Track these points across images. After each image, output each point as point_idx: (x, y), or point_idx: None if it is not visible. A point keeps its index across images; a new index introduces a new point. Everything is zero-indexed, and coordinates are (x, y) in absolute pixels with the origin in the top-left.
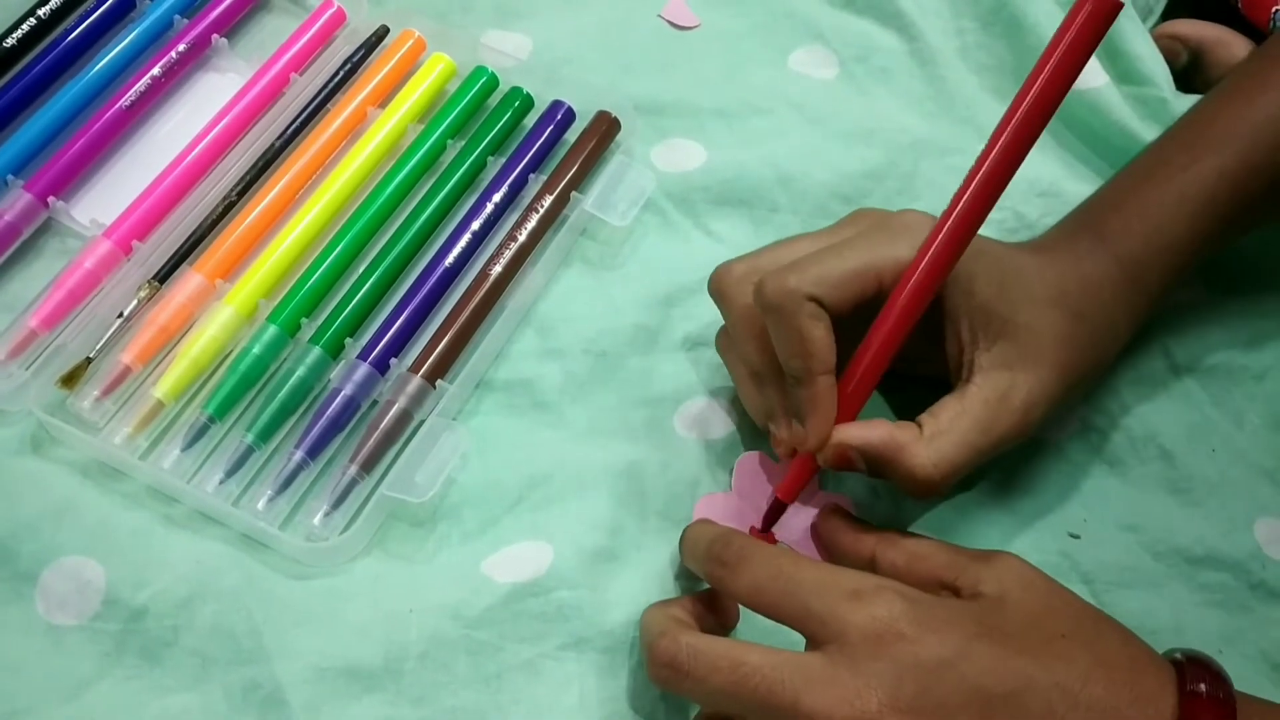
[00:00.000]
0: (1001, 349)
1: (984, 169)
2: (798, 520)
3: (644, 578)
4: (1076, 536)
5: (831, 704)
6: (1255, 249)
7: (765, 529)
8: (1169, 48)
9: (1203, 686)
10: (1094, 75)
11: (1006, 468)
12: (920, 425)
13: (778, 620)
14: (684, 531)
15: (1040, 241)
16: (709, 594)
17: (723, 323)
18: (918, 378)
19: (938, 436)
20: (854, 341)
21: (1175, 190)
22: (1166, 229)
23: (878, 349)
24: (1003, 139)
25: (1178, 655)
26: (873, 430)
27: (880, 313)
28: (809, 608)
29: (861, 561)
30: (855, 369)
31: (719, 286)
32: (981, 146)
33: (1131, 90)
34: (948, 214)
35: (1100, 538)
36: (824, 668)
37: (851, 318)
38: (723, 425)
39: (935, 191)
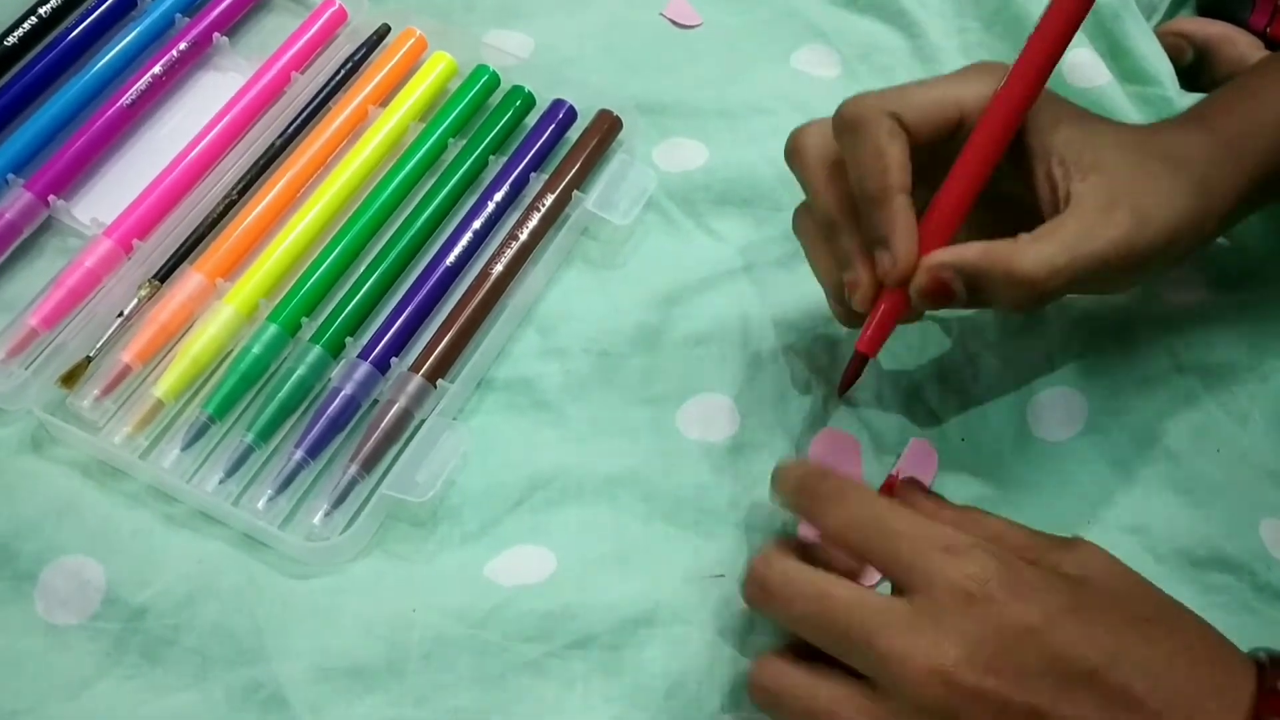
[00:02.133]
0: (1098, 177)
1: None
2: None
3: (647, 579)
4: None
5: (909, 648)
6: (1261, 250)
7: (843, 390)
8: (1174, 45)
9: None
10: (1097, 73)
11: (1009, 468)
12: (1016, 239)
13: (865, 560)
14: (775, 467)
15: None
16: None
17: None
18: None
19: (1038, 241)
20: (933, 188)
21: (1275, 88)
22: (1266, 116)
23: (965, 173)
24: None
25: (1261, 655)
26: (966, 247)
27: (964, 147)
28: (900, 554)
29: None
30: (940, 202)
31: (795, 145)
32: None
33: (1135, 89)
34: (1028, 47)
35: (1104, 540)
36: (907, 614)
37: (932, 157)
38: (725, 425)
39: None
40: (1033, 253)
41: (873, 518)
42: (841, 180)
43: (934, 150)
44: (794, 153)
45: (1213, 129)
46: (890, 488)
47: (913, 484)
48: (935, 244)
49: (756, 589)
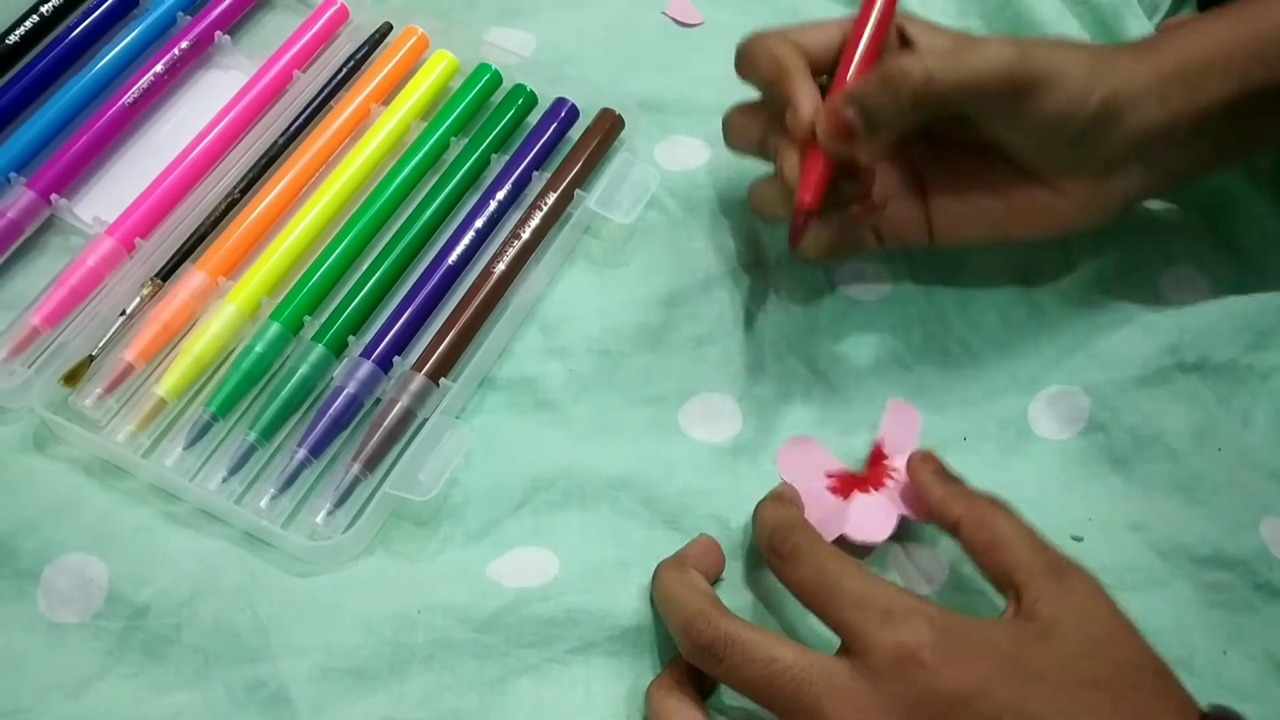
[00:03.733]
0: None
1: None
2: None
3: (649, 583)
4: (1079, 539)
5: (851, 713)
6: (1263, 249)
7: (793, 244)
8: None
9: None
10: None
11: (1010, 467)
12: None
13: (819, 619)
14: (757, 507)
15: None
16: (707, 543)
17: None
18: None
19: (925, 50)
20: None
21: (1244, 19)
22: (1226, 45)
23: (856, 37)
24: None
25: (1206, 710)
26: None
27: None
28: (844, 617)
29: (946, 523)
30: (840, 71)
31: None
32: None
33: None
34: None
35: (1105, 538)
36: (849, 678)
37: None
38: (728, 425)
39: None
40: (912, 59)
41: (822, 579)
42: (760, 111)
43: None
44: (729, 130)
45: (1159, 59)
46: (879, 458)
47: (926, 459)
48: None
49: (702, 652)
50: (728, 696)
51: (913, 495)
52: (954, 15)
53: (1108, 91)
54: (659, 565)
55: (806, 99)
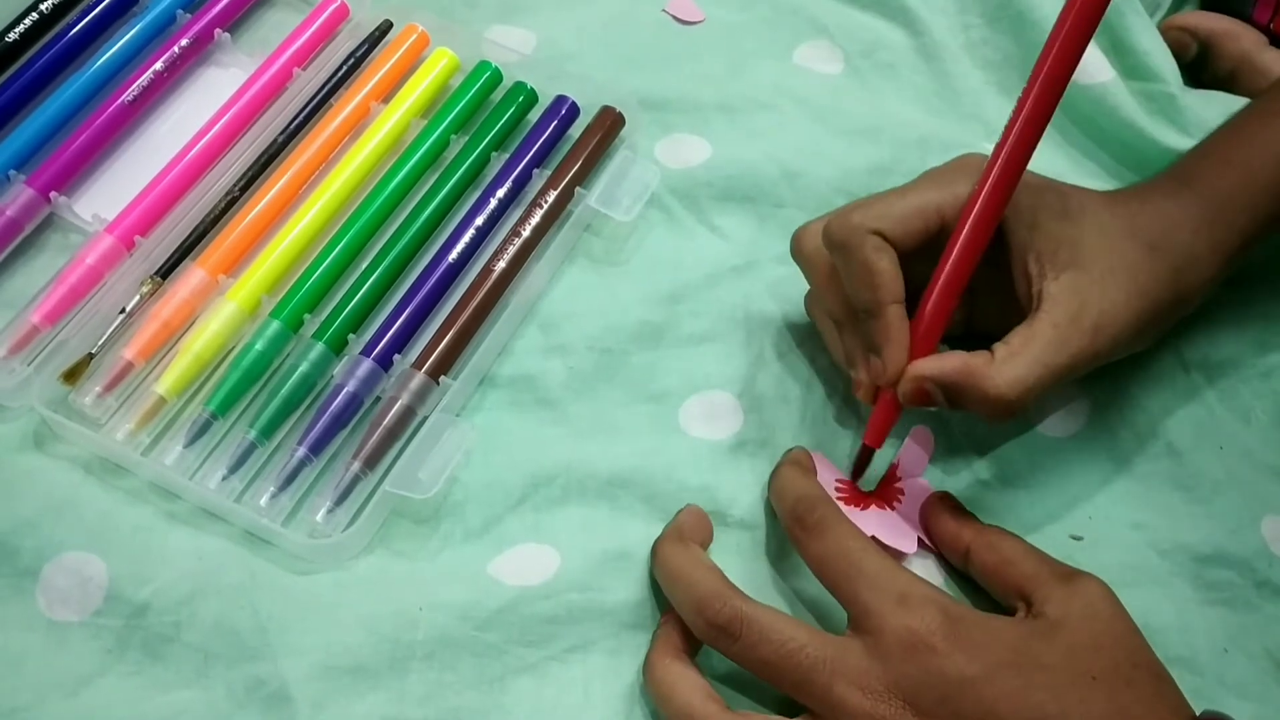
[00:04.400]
0: (1070, 277)
1: (1035, 88)
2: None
3: (648, 580)
4: (1079, 539)
5: (860, 693)
6: (1267, 248)
7: (855, 477)
8: (1178, 40)
9: None
10: (1100, 70)
11: (1012, 464)
12: (993, 352)
13: (832, 593)
14: (777, 469)
15: (1108, 192)
16: (698, 513)
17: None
18: (979, 335)
19: (1011, 358)
20: (924, 284)
21: (1269, 135)
22: (1258, 170)
23: (945, 281)
24: (1053, 50)
25: (1200, 714)
26: (947, 360)
27: (945, 247)
28: (859, 596)
29: (957, 553)
30: (925, 305)
31: (797, 245)
32: (987, 143)
33: (1139, 86)
34: (1002, 143)
35: (1106, 536)
36: (860, 658)
37: (918, 257)
38: (728, 423)
39: None
40: (1006, 372)
41: (843, 556)
42: (840, 284)
43: (922, 246)
44: (798, 252)
45: (1201, 192)
46: (892, 478)
47: (944, 499)
48: (923, 347)
49: (716, 632)
50: (715, 658)
51: (923, 523)
52: (955, 13)
53: (1189, 305)
54: (658, 540)
55: (896, 349)
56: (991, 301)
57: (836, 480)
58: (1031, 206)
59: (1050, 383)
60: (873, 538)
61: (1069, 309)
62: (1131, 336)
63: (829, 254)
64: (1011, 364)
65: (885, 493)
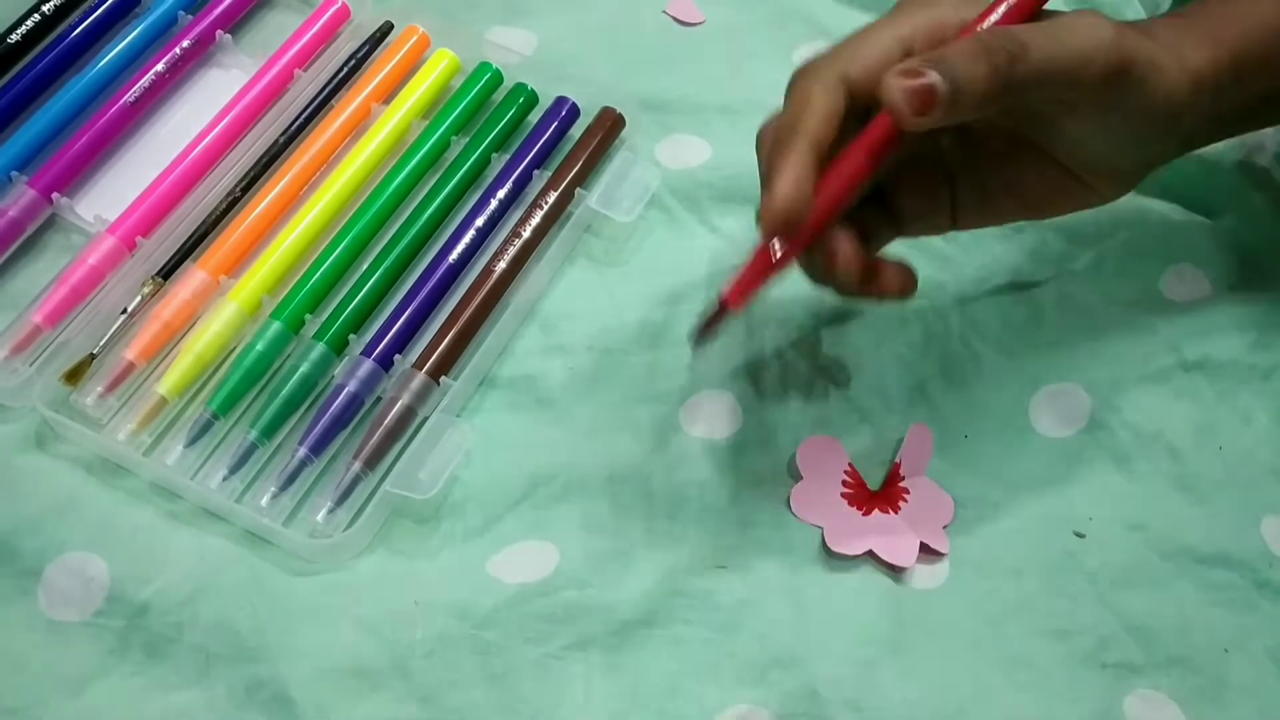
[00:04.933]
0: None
1: None
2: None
3: (649, 578)
4: (1082, 535)
5: None
6: (1265, 247)
7: (700, 339)
8: None
9: None
10: None
11: (1011, 464)
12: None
13: None
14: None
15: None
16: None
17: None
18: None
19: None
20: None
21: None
22: (1241, 51)
23: (871, 131)
24: None
25: None
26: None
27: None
28: None
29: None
30: (843, 156)
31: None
32: None
33: None
34: None
35: (1106, 536)
36: None
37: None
38: (728, 423)
39: None
40: (1007, 30)
41: None
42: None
43: None
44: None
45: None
46: (895, 479)
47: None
48: (820, 206)
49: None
50: None
51: (924, 517)
52: None
53: (1187, 90)
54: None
55: (787, 183)
56: (978, 193)
57: (845, 471)
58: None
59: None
60: (868, 552)
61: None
62: (1163, 56)
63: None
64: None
65: (890, 494)
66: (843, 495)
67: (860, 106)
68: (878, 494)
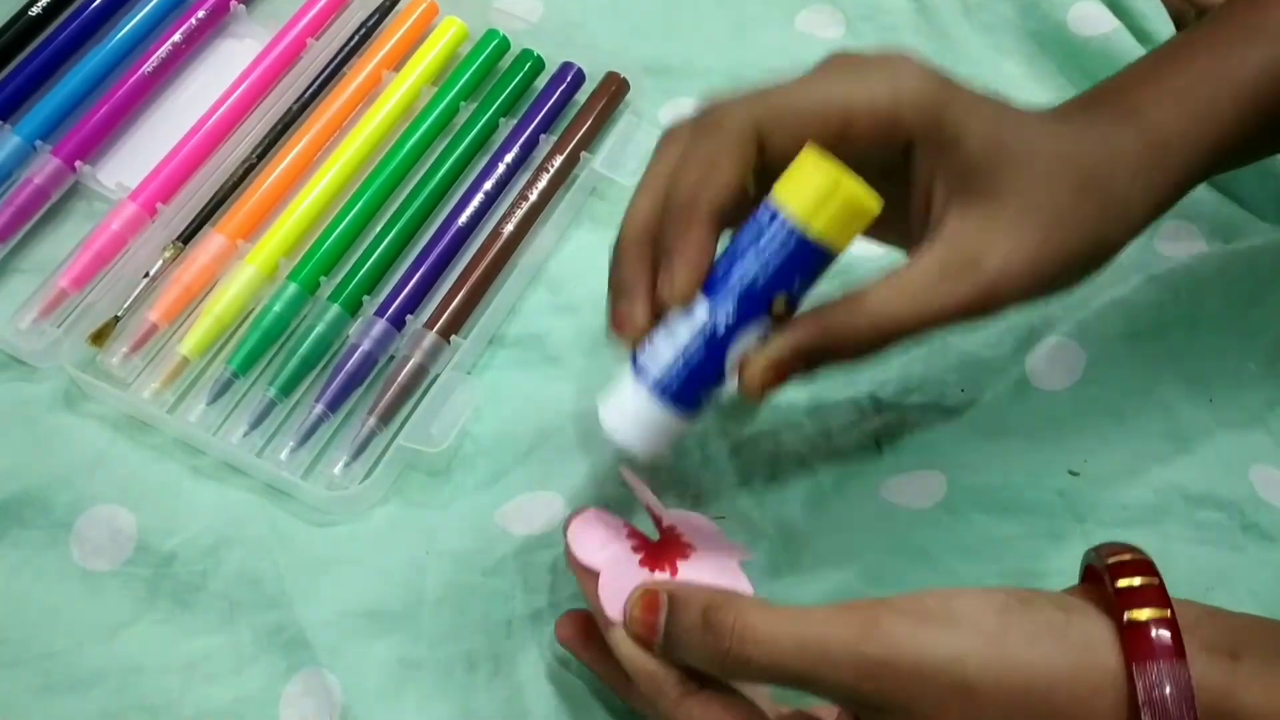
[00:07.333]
0: (979, 212)
1: None
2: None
3: (649, 527)
4: (1076, 474)
5: None
6: (1255, 201)
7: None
8: (1176, 7)
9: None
10: (1103, 21)
11: (1007, 417)
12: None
13: None
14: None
15: (1053, 109)
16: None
17: None
18: None
19: (886, 297)
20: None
21: (1217, 72)
22: (1204, 110)
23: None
24: None
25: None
26: (799, 328)
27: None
28: None
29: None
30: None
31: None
32: None
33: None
34: None
35: (1100, 477)
36: None
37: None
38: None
39: None
40: (874, 306)
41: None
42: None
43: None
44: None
45: (1144, 129)
46: (660, 525)
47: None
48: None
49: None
50: None
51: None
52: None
53: (1117, 249)
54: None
55: (687, 262)
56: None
57: (629, 537)
58: (957, 126)
59: (918, 337)
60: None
61: (966, 252)
62: (1033, 291)
63: (690, 137)
64: (886, 299)
65: (671, 546)
66: (641, 565)
67: (770, 160)
68: (658, 545)
